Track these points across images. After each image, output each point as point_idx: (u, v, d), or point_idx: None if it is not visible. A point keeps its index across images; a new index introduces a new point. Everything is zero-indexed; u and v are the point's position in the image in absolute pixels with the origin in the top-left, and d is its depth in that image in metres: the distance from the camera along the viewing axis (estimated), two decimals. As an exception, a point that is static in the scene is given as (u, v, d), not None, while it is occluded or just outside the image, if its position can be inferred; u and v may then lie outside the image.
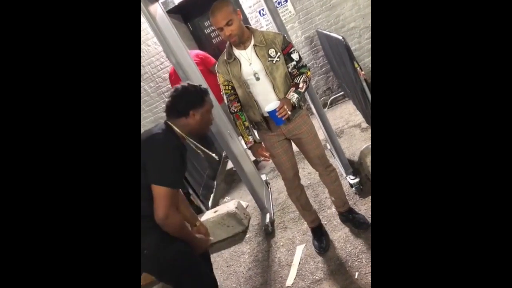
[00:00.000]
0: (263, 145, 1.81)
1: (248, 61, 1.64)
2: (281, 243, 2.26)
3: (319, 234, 2.04)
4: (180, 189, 1.52)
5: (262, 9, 3.78)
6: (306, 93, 2.09)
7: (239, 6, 3.92)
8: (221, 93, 1.78)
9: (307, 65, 1.70)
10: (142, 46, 3.99)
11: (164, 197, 1.27)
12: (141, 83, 4.18)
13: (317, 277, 1.86)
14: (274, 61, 1.62)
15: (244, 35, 1.60)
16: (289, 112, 1.56)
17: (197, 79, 2.41)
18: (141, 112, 4.30)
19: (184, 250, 1.41)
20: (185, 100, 1.39)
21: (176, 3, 3.73)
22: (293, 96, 1.61)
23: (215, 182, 3.34)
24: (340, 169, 2.50)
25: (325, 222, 2.18)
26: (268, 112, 1.59)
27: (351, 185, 2.30)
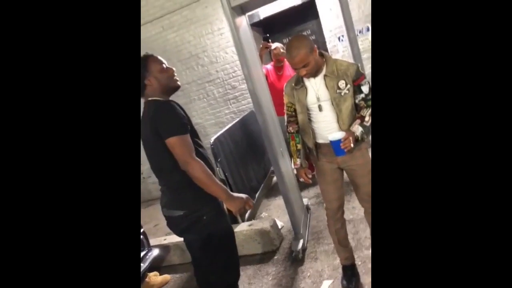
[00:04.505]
0: (309, 169, 1.81)
1: (316, 90, 1.64)
2: (308, 274, 2.18)
3: (350, 274, 1.94)
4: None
5: (342, 35, 3.79)
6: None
7: (320, 29, 3.97)
8: (284, 109, 1.81)
9: None
10: (220, 53, 4.21)
11: (176, 144, 1.38)
12: (211, 87, 4.39)
13: (337, 319, 1.75)
14: (342, 93, 1.59)
15: (317, 66, 1.59)
16: (352, 145, 1.53)
17: (264, 91, 2.46)
18: (204, 114, 4.50)
19: (231, 229, 1.64)
20: None
21: (261, 18, 3.89)
22: (358, 129, 1.57)
23: (256, 195, 3.35)
24: (387, 213, 2.36)
25: (359, 263, 2.07)
26: (331, 141, 1.56)
27: (396, 233, 2.16)
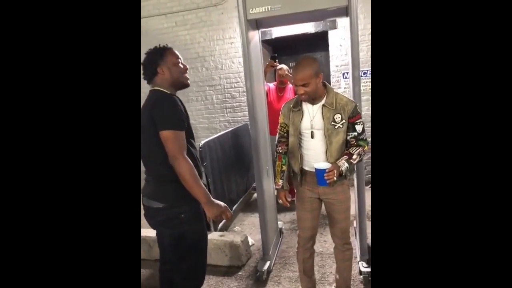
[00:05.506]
0: (290, 194, 1.81)
1: (312, 117, 1.67)
2: (268, 296, 2.17)
3: (309, 306, 1.94)
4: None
5: (346, 73, 3.88)
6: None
7: (327, 62, 4.05)
8: (277, 128, 1.84)
9: (367, 139, 1.69)
10: (226, 61, 4.25)
11: (170, 139, 1.40)
12: (211, 92, 4.41)
13: None
14: (336, 127, 1.63)
15: (317, 93, 1.63)
16: (335, 179, 1.55)
17: (261, 108, 2.49)
18: (198, 116, 4.50)
19: (206, 234, 1.65)
20: (148, 61, 1.52)
21: (273, 37, 3.96)
22: (343, 165, 1.59)
23: (233, 208, 3.34)
24: (356, 250, 2.39)
25: (320, 297, 2.07)
26: (316, 169, 1.59)
27: (360, 272, 2.18)
